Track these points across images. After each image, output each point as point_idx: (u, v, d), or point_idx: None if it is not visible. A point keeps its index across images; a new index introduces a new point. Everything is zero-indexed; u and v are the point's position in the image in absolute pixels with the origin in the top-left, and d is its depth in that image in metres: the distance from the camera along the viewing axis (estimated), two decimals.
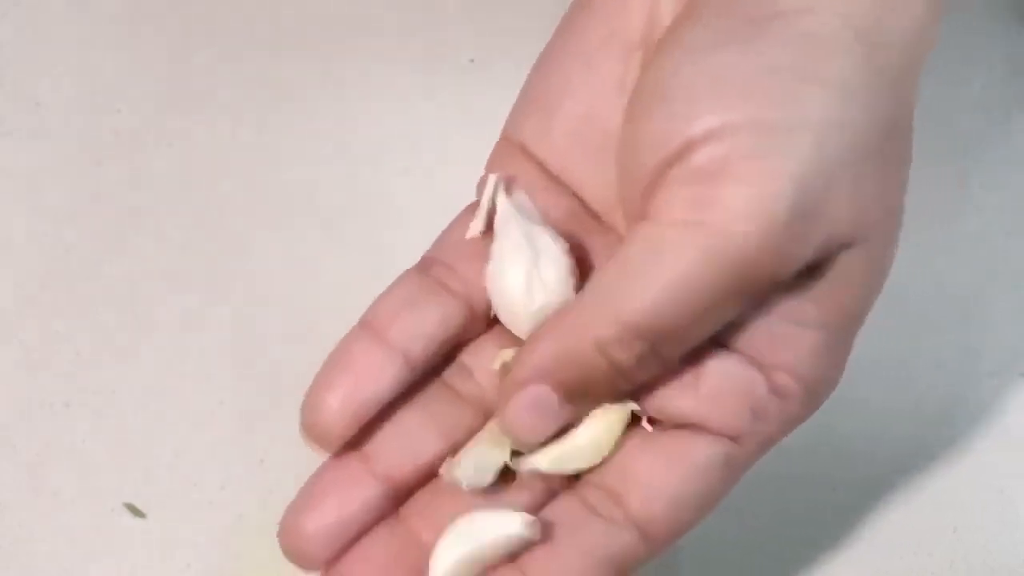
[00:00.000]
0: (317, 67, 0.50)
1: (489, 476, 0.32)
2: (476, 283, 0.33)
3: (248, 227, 0.47)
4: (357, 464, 0.32)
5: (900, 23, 0.30)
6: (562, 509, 0.32)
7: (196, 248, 0.46)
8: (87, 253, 0.46)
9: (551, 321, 0.31)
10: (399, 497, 0.33)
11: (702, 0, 0.30)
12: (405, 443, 0.32)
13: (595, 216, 0.34)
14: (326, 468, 0.33)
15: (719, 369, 0.31)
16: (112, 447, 0.42)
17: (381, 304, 0.33)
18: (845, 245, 0.30)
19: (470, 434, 0.33)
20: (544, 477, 0.32)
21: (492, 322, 0.34)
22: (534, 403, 0.31)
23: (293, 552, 0.32)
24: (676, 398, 0.31)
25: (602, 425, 0.32)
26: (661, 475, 0.31)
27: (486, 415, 0.33)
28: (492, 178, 0.34)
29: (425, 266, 0.34)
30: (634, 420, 0.32)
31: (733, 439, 0.31)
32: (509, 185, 0.34)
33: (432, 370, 0.33)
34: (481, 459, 0.32)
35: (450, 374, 0.34)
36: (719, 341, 0.31)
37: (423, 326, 0.32)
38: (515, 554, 0.31)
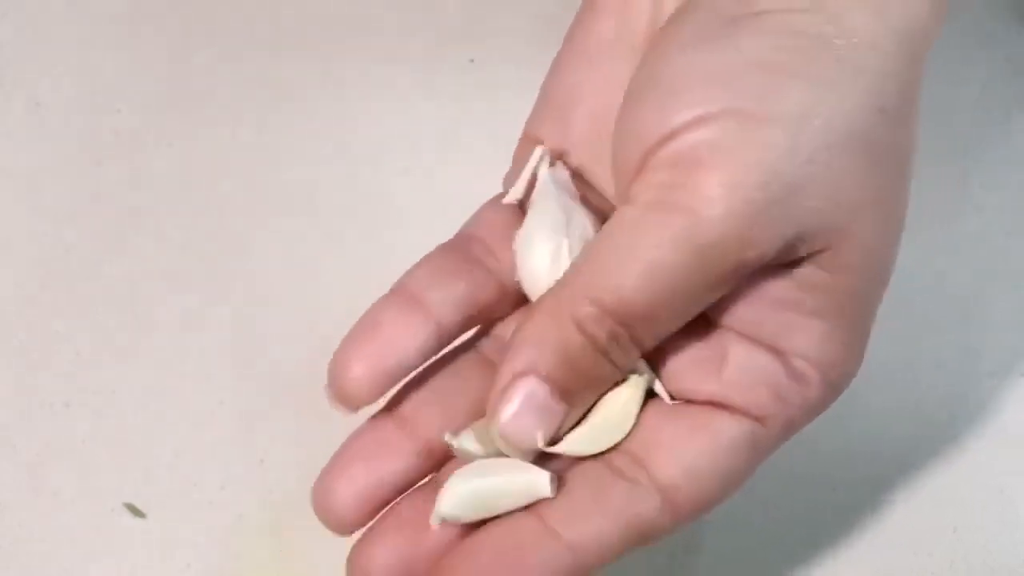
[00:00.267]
0: (317, 67, 0.50)
1: (493, 448, 0.32)
2: (509, 261, 0.34)
3: (248, 227, 0.47)
4: (392, 428, 0.33)
5: (902, 15, 0.30)
6: (586, 468, 0.32)
7: (196, 248, 0.46)
8: (87, 253, 0.46)
9: (535, 303, 0.32)
10: (434, 461, 0.33)
11: (694, 0, 0.32)
12: (440, 408, 0.33)
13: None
14: (361, 431, 0.33)
15: (740, 354, 0.32)
16: (112, 447, 0.42)
17: (414, 273, 0.33)
18: (831, 232, 0.30)
19: None
20: None
21: (523, 300, 0.34)
22: (525, 396, 0.31)
23: (325, 514, 0.33)
24: (700, 382, 0.32)
25: (619, 405, 0.32)
26: (684, 441, 0.32)
27: None
28: (539, 149, 0.34)
29: (459, 240, 0.35)
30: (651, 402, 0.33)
31: (757, 420, 0.32)
32: (552, 159, 0.34)
33: (467, 343, 0.34)
34: (483, 432, 0.32)
35: (484, 344, 0.34)
36: (735, 330, 0.32)
37: (454, 293, 0.33)
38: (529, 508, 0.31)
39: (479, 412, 0.32)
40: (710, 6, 0.31)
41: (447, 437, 0.32)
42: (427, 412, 0.33)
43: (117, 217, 0.47)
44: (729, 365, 0.32)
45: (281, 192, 0.47)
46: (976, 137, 0.49)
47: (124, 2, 0.51)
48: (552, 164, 0.34)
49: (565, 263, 0.32)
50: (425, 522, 0.32)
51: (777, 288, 0.31)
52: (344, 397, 0.32)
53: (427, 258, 0.34)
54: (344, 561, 0.41)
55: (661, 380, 0.33)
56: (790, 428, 0.32)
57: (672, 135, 0.30)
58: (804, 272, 0.31)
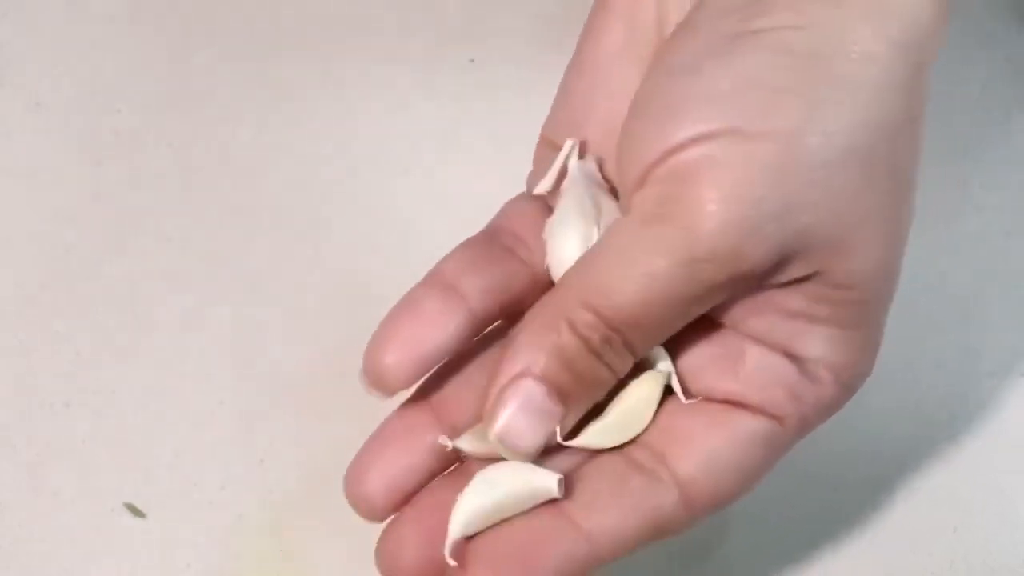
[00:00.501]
0: (317, 67, 0.50)
1: (490, 446, 0.32)
2: (540, 251, 0.34)
3: (248, 227, 0.47)
4: (424, 414, 0.33)
5: (903, 27, 0.31)
6: (604, 461, 0.33)
7: (196, 248, 0.46)
8: (87, 253, 0.46)
9: (531, 309, 0.32)
10: None
11: (695, 16, 0.32)
12: (472, 396, 0.33)
13: None
14: (393, 418, 0.33)
15: (754, 356, 0.32)
16: (112, 447, 0.42)
17: (447, 262, 0.34)
18: (828, 247, 0.31)
19: None
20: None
21: None
22: (522, 399, 0.31)
23: (357, 501, 0.33)
24: (717, 381, 0.33)
25: (637, 400, 0.33)
26: (702, 436, 0.32)
27: None
28: (569, 141, 0.35)
29: (490, 232, 0.35)
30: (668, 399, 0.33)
31: (774, 418, 0.32)
32: (582, 151, 0.35)
33: (499, 331, 0.34)
34: (483, 434, 0.32)
35: (516, 332, 0.34)
36: (749, 336, 0.33)
37: (488, 281, 0.33)
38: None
39: None
40: (711, 24, 0.31)
41: (442, 440, 0.32)
42: (459, 399, 0.33)
43: (117, 217, 0.47)
44: (746, 365, 0.32)
45: (281, 192, 0.47)
46: (976, 137, 0.49)
47: (124, 2, 0.51)
48: (581, 156, 0.35)
49: None
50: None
51: (785, 300, 0.32)
52: (379, 383, 0.32)
53: (460, 248, 0.34)
54: (344, 561, 0.41)
55: (681, 379, 0.33)
56: (805, 427, 0.33)
57: (671, 152, 0.30)
58: (809, 286, 0.31)
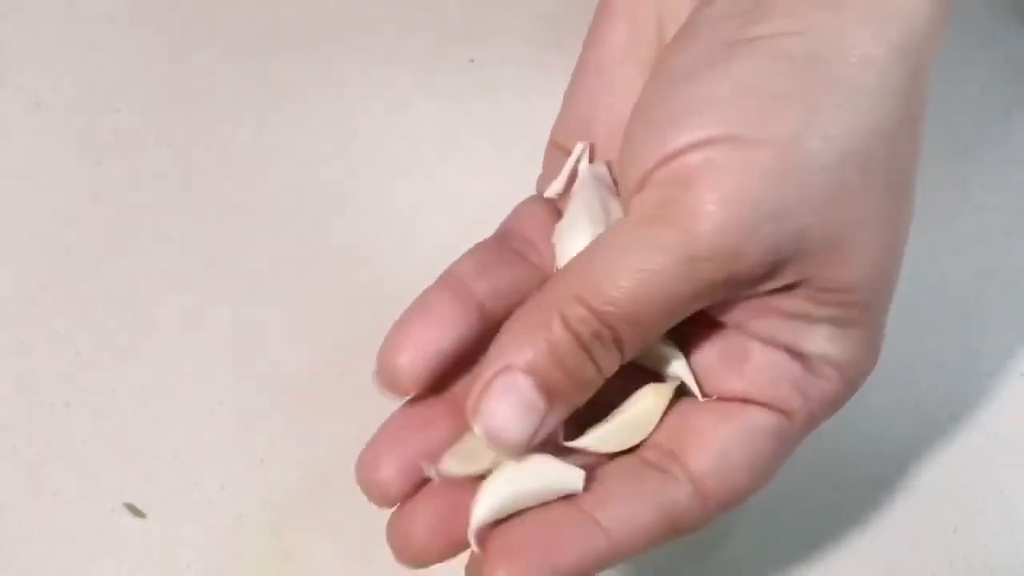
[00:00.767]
0: (317, 67, 0.50)
1: (476, 465, 0.32)
2: (550, 254, 0.35)
3: (248, 227, 0.47)
4: (439, 403, 0.33)
5: (902, 30, 0.31)
6: (619, 461, 0.33)
7: (196, 248, 0.46)
8: (87, 253, 0.46)
9: (521, 306, 0.32)
10: None
11: (694, 21, 0.32)
12: None
13: None
14: (405, 406, 0.34)
15: (759, 354, 0.33)
16: (112, 447, 0.42)
17: (459, 265, 0.34)
18: (825, 250, 0.31)
19: None
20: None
21: None
22: (508, 391, 0.31)
23: (369, 486, 0.33)
24: (725, 380, 0.33)
25: (644, 406, 0.33)
26: (714, 432, 0.32)
27: None
28: (580, 144, 0.35)
29: (501, 235, 0.36)
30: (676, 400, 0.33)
31: (783, 413, 0.33)
32: (592, 155, 0.35)
33: None
34: (467, 450, 0.32)
35: (505, 326, 0.34)
36: (750, 333, 0.33)
37: (500, 283, 0.34)
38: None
39: None
40: (709, 32, 0.32)
41: (424, 466, 0.32)
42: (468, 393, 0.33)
43: (117, 217, 0.47)
44: (752, 363, 0.33)
45: (281, 192, 0.47)
46: (976, 137, 0.49)
47: (124, 2, 0.51)
48: (591, 160, 0.35)
49: None
50: (465, 492, 0.32)
51: (785, 302, 0.32)
52: (393, 383, 0.33)
53: (471, 251, 0.35)
54: (344, 561, 0.41)
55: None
56: (812, 422, 0.33)
57: (671, 157, 0.31)
58: (805, 290, 0.32)
